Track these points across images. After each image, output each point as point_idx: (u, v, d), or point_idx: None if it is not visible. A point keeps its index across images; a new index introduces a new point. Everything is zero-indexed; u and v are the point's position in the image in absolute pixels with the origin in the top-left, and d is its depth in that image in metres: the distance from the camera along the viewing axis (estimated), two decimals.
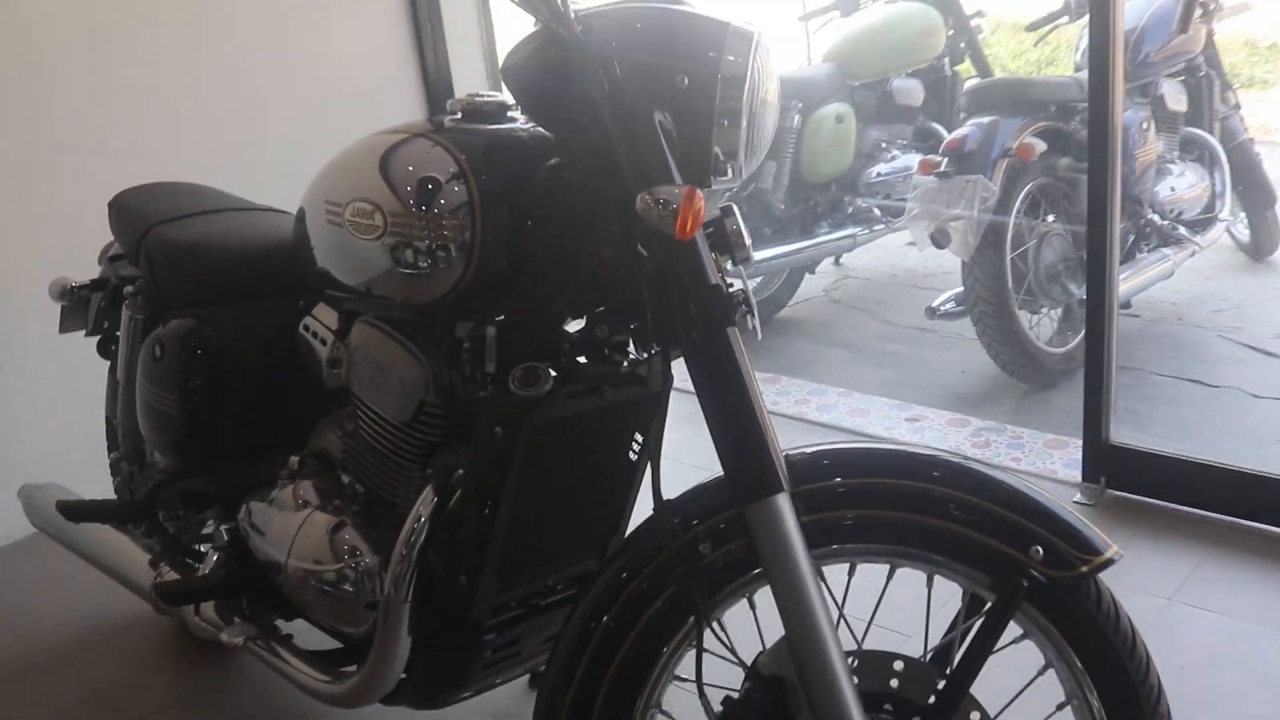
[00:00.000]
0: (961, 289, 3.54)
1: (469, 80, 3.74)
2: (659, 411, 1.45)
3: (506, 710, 2.12)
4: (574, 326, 1.56)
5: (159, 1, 3.09)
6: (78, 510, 2.17)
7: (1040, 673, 1.37)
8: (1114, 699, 1.33)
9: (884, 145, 4.70)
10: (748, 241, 1.42)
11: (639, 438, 1.66)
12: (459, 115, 1.60)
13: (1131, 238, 3.67)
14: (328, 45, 3.45)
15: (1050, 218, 3.63)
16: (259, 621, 1.93)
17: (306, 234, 1.71)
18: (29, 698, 2.31)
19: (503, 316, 1.53)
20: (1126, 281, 3.56)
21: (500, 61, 3.92)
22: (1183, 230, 3.76)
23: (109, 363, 2.45)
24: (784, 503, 1.29)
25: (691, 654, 1.39)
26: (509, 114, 1.60)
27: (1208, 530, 2.46)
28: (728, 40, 1.36)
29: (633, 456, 1.67)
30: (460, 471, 1.59)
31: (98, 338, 2.42)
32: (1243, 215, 4.39)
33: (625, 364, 1.55)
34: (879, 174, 4.60)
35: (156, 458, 2.18)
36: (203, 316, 1.93)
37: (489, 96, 1.60)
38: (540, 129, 1.54)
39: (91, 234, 2.46)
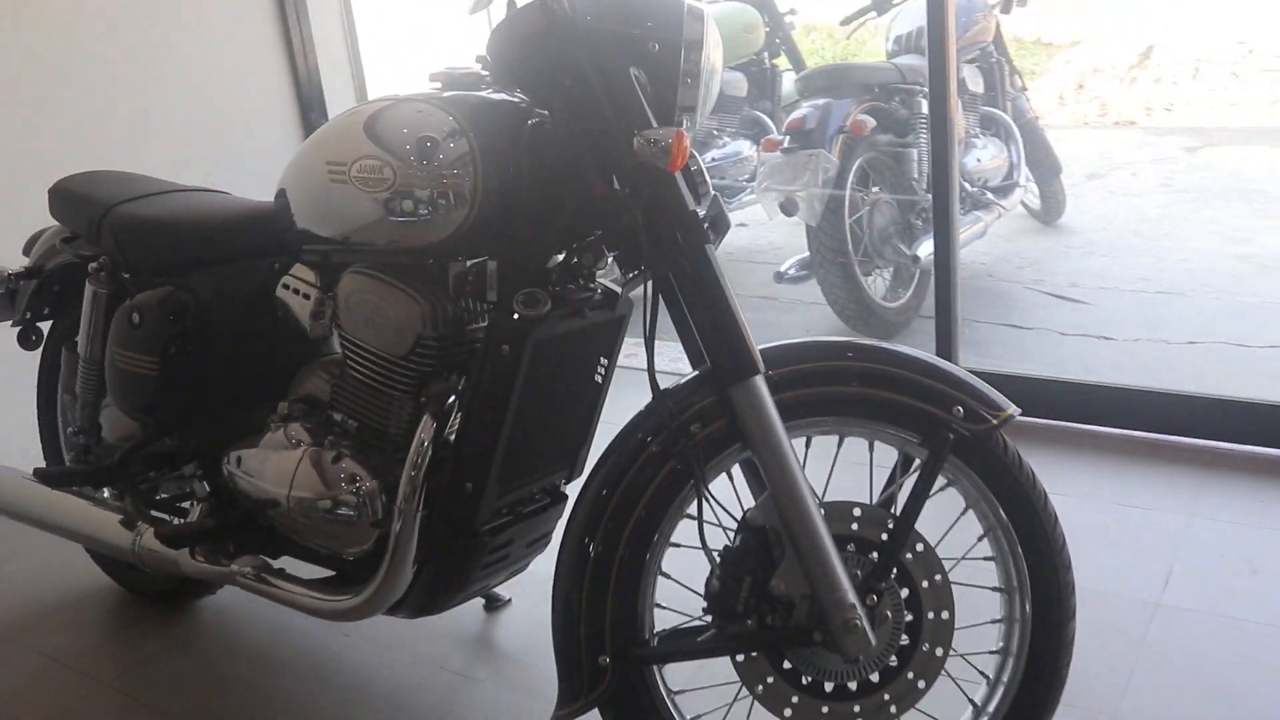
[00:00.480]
0: (805, 255, 3.93)
1: (338, 91, 3.92)
2: (653, 316, 1.69)
3: (466, 631, 2.35)
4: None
5: (48, 12, 3.16)
6: (56, 478, 2.27)
7: (963, 512, 1.71)
8: (1023, 527, 1.67)
9: (715, 132, 5.07)
10: (708, 180, 1.71)
11: (604, 362, 1.92)
12: (439, 86, 1.83)
13: None
14: (207, 60, 3.57)
15: (876, 189, 4.05)
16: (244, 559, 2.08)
17: (287, 203, 1.92)
18: None
19: (485, 256, 1.78)
20: None
21: (365, 72, 4.10)
22: (990, 195, 4.26)
23: (31, 350, 2.55)
24: (761, 382, 1.58)
25: (683, 522, 1.67)
26: (482, 85, 1.85)
27: (1046, 432, 2.90)
28: (686, 15, 1.65)
29: (598, 379, 1.93)
30: (452, 398, 1.82)
31: (18, 329, 2.52)
32: (1034, 186, 4.94)
33: (598, 292, 1.82)
34: (713, 159, 4.97)
35: (109, 428, 2.32)
36: (177, 283, 2.09)
37: (466, 69, 1.84)
38: (511, 96, 1.80)
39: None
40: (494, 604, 2.41)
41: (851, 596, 1.57)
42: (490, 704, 2.13)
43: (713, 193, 1.71)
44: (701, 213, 1.63)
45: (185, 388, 2.11)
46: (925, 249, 3.91)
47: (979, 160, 4.29)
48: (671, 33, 1.64)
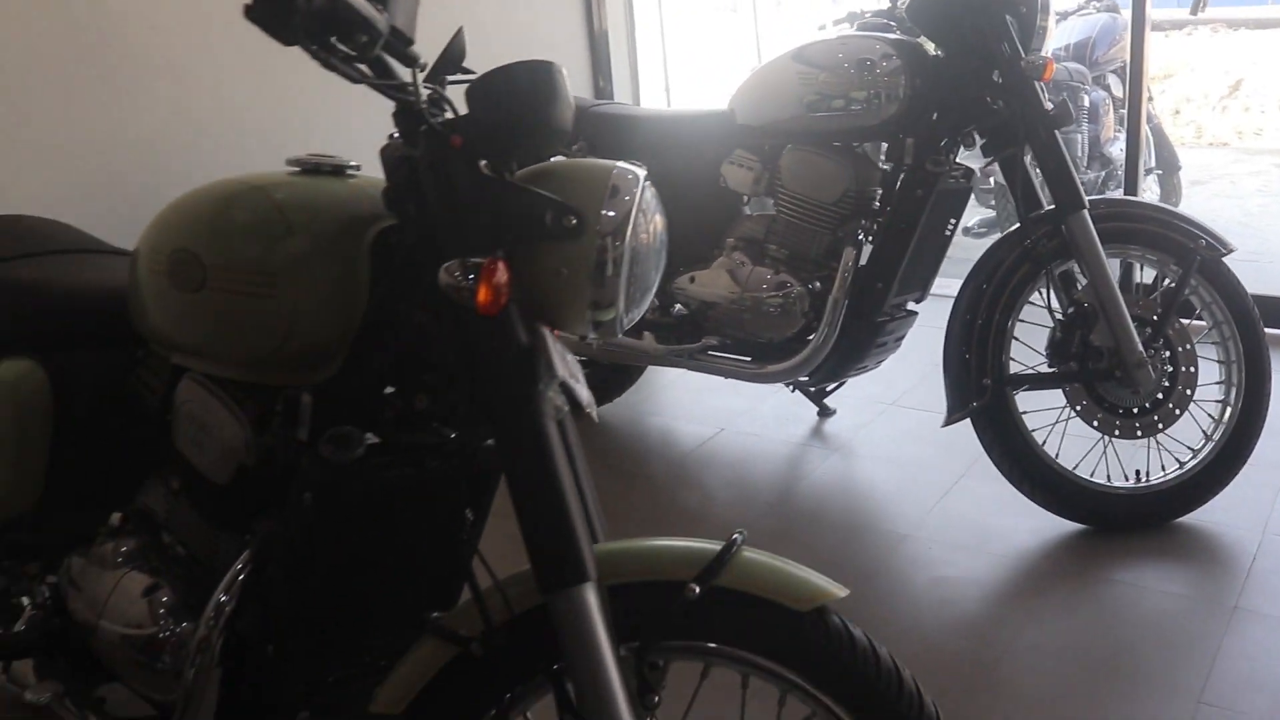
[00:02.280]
0: (990, 215, 4.92)
1: (620, 63, 4.92)
2: (1025, 180, 2.67)
3: (808, 424, 3.31)
4: None
5: None
6: None
7: (1199, 313, 2.66)
8: (1240, 321, 2.62)
9: None
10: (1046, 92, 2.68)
11: (952, 222, 2.84)
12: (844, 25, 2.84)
13: (1102, 178, 5.10)
14: (535, 37, 4.57)
15: None
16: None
17: (733, 112, 2.92)
18: None
19: (902, 136, 2.76)
20: None
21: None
22: None
23: None
24: (1088, 214, 2.54)
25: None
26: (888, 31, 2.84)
27: None
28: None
29: (947, 233, 2.84)
30: (860, 234, 2.76)
31: None
32: (1154, 183, 5.88)
33: (960, 169, 2.79)
34: None
35: None
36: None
37: (873, 16, 2.84)
38: (914, 39, 2.77)
39: None
40: (825, 413, 3.38)
41: (1139, 347, 2.54)
42: (829, 464, 3.11)
43: (1060, 97, 2.70)
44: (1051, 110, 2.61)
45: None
46: None
47: (1121, 150, 5.25)
48: (1032, 2, 2.63)
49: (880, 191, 2.83)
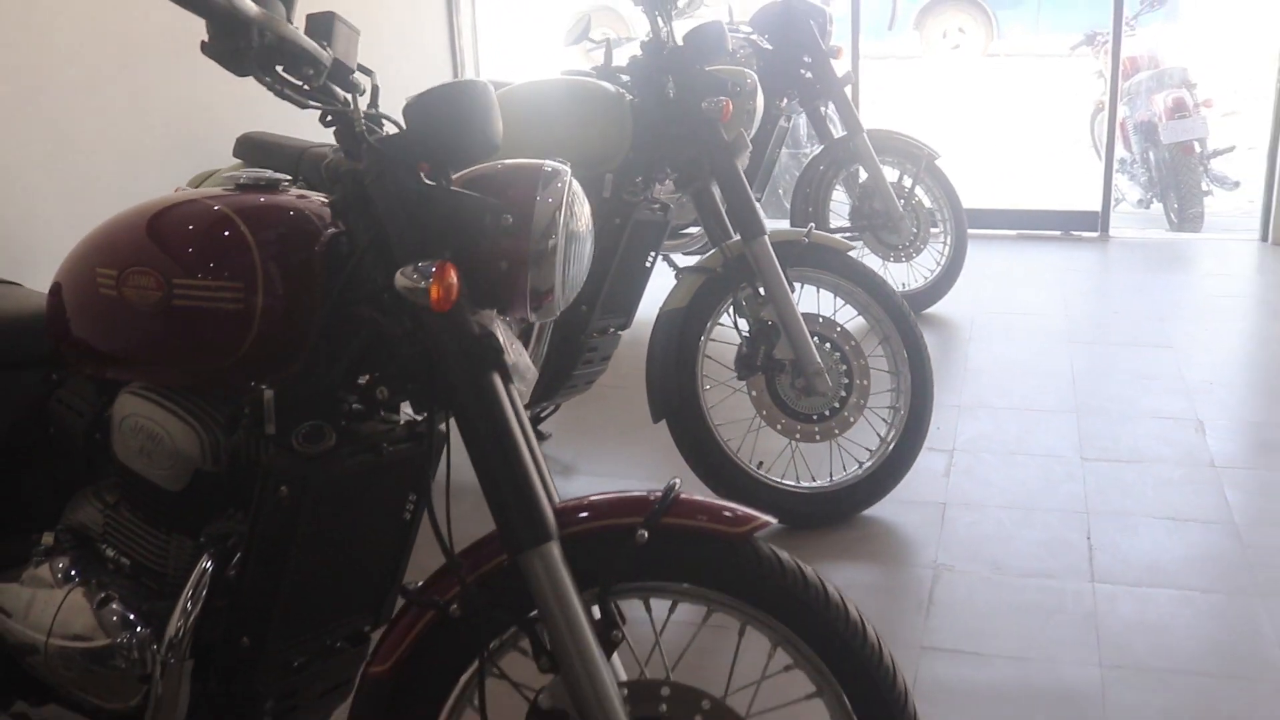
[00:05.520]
0: None
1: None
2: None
3: None
4: None
5: None
6: None
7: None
8: (950, 196, 4.62)
9: None
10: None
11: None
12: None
13: None
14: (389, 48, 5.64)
15: None
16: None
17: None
18: None
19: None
20: None
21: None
22: None
23: None
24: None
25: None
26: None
27: None
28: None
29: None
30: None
31: None
32: None
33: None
34: None
35: None
36: None
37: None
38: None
39: None
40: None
41: (900, 210, 4.48)
42: None
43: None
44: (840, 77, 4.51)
45: None
46: None
47: None
48: (824, 16, 4.54)
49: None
